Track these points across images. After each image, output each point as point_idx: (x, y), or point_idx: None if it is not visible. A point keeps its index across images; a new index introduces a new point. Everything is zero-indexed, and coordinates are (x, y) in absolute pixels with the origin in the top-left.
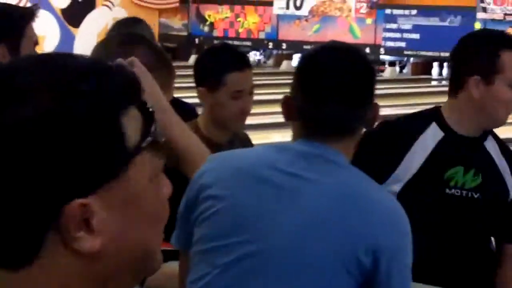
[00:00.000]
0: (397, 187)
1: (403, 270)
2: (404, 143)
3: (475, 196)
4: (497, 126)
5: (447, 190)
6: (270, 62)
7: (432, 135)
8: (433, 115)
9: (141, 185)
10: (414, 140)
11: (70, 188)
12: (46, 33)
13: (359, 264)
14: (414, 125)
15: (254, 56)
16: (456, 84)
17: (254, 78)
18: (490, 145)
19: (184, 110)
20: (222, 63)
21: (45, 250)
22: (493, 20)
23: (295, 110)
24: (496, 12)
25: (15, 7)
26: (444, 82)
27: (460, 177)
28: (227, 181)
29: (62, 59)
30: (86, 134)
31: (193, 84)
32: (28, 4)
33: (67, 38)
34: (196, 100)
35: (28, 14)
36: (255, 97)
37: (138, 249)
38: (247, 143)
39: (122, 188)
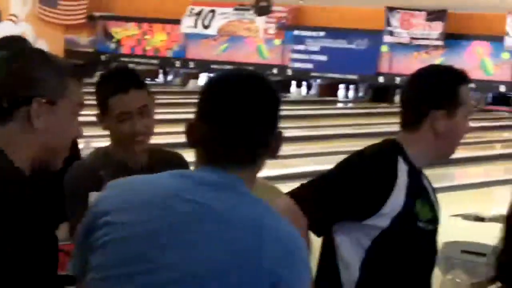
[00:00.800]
0: (384, 223)
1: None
2: (389, 179)
3: (432, 228)
4: (447, 158)
5: (419, 224)
6: (177, 80)
7: (403, 170)
8: (396, 149)
9: None
10: (396, 176)
11: None
12: None
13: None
14: (390, 160)
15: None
16: (416, 118)
17: (160, 97)
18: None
19: None
20: (104, 87)
21: None
22: (399, 43)
23: (197, 136)
24: (402, 36)
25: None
26: (350, 105)
27: (423, 211)
28: (127, 209)
29: None
30: None
31: (92, 101)
32: None
33: None
34: None
35: None
36: (161, 116)
37: None
38: (177, 166)
39: None
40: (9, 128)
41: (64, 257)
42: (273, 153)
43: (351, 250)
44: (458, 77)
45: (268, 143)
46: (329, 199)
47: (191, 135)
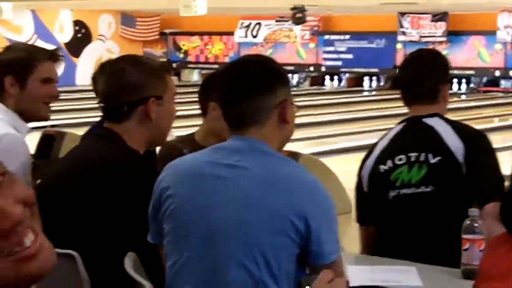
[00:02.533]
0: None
1: (330, 228)
2: None
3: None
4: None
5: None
6: None
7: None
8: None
9: None
10: None
11: None
12: None
13: (294, 226)
14: None
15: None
16: (435, 93)
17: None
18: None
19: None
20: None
21: None
22: (411, 41)
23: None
24: (413, 35)
25: (34, 47)
26: (373, 93)
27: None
28: (180, 182)
29: None
30: None
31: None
32: (38, 41)
33: (70, 66)
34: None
35: (44, 54)
36: None
37: None
38: None
39: None
40: (126, 124)
41: None
42: (281, 118)
43: None
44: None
45: (270, 106)
46: None
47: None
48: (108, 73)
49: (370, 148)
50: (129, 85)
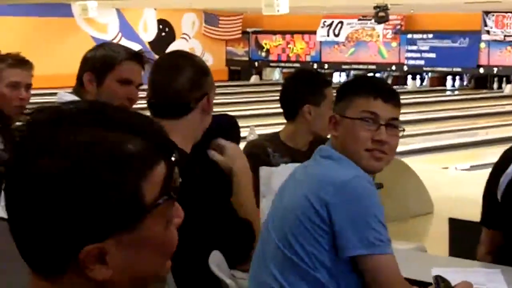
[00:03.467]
0: None
1: (356, 223)
2: None
3: None
4: None
5: None
6: None
7: None
8: None
9: (156, 231)
10: None
11: (88, 235)
12: None
13: (317, 213)
14: None
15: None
16: None
17: None
18: None
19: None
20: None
21: (68, 273)
22: (495, 40)
23: None
24: (497, 34)
25: (122, 47)
26: (456, 92)
27: None
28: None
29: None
30: (107, 195)
31: (251, 99)
32: (122, 40)
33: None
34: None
35: (127, 55)
36: None
37: (149, 275)
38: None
39: (136, 235)
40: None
41: None
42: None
43: None
44: None
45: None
46: None
47: None
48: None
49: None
50: (191, 82)
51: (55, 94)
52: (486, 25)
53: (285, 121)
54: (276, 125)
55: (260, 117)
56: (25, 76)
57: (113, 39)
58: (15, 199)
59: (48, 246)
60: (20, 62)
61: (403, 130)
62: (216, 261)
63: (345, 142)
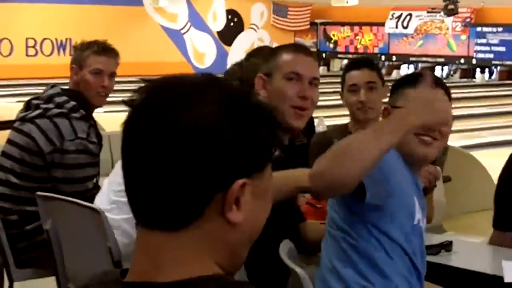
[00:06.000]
0: None
1: None
2: None
3: None
4: None
5: None
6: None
7: None
8: None
9: (268, 183)
10: None
11: (241, 169)
12: (206, 50)
13: None
14: None
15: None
16: None
17: None
18: None
19: None
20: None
21: (202, 217)
22: None
23: None
24: None
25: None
26: None
27: None
28: None
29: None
30: (256, 139)
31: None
32: (192, 30)
33: (222, 54)
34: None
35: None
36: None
37: (257, 230)
38: None
39: (262, 181)
40: None
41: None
42: None
43: None
44: None
45: None
46: None
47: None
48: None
49: None
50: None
51: (122, 82)
52: None
53: None
54: (345, 116)
55: (329, 108)
56: (110, 64)
57: (182, 29)
58: (155, 151)
59: (190, 186)
60: (105, 50)
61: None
62: (287, 250)
63: None
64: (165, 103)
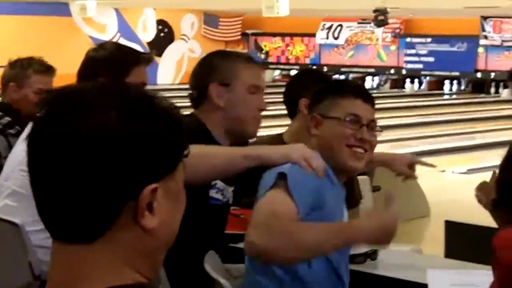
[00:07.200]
0: None
1: None
2: None
3: None
4: None
5: None
6: None
7: None
8: None
9: (180, 183)
10: None
11: (150, 174)
12: None
13: None
14: None
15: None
16: None
17: None
18: None
19: None
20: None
21: (116, 226)
22: (492, 45)
23: None
24: (495, 39)
25: (128, 49)
26: (454, 96)
27: None
28: None
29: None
30: (162, 142)
31: None
32: (121, 41)
33: (152, 65)
34: None
35: (137, 58)
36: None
37: (173, 232)
38: None
39: (173, 183)
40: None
41: (232, 218)
42: None
43: None
44: None
45: None
46: None
47: None
48: None
49: None
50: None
51: None
52: (484, 30)
53: (286, 122)
54: (278, 127)
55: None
56: (51, 83)
57: (111, 39)
58: (55, 159)
59: (99, 196)
60: (48, 69)
61: (381, 131)
62: (211, 261)
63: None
64: (64, 112)
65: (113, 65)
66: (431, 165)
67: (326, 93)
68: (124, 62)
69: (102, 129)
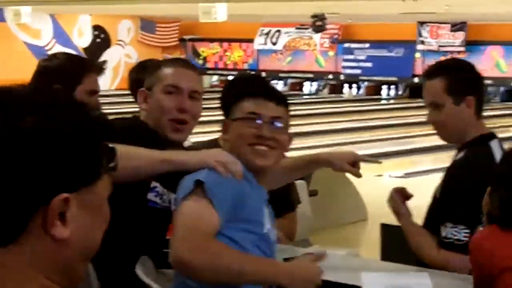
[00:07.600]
0: None
1: None
2: None
3: None
4: None
5: None
6: None
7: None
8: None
9: (102, 196)
10: None
11: (59, 184)
12: None
13: None
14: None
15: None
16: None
17: None
18: None
19: None
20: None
21: (27, 232)
22: (429, 50)
23: None
24: (432, 44)
25: (79, 58)
26: (391, 101)
27: None
28: None
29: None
30: (78, 151)
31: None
32: (57, 46)
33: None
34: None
35: (89, 67)
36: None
37: (91, 244)
38: None
39: (93, 195)
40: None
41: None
42: None
43: None
44: None
45: None
46: None
47: None
48: None
49: None
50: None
51: None
52: (421, 36)
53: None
54: (217, 133)
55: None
56: None
57: (46, 45)
58: None
59: (8, 201)
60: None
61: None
62: (143, 266)
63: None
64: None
65: (65, 73)
66: (376, 161)
67: (234, 98)
68: (76, 71)
69: (14, 134)
